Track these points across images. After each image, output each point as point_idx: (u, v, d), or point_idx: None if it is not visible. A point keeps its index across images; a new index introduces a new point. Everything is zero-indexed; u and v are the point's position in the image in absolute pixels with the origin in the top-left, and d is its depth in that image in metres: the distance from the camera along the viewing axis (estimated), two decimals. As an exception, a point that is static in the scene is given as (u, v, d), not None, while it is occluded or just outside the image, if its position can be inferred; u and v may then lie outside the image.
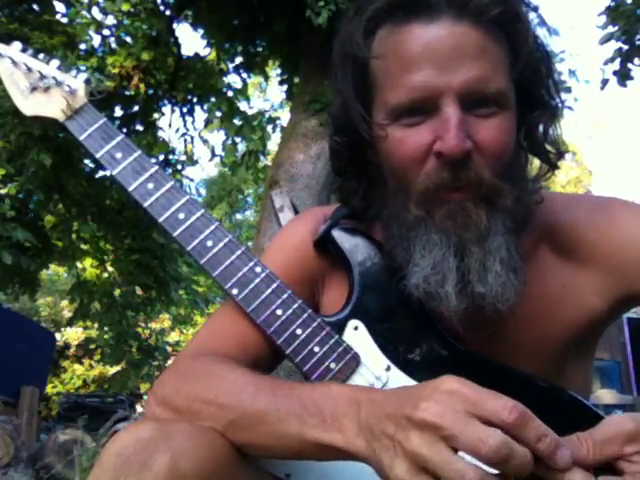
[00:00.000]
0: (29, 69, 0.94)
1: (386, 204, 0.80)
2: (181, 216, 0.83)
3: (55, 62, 0.95)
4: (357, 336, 0.80)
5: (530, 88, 0.77)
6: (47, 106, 0.92)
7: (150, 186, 0.85)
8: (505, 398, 0.53)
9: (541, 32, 0.78)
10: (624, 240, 0.78)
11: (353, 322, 0.81)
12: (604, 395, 7.39)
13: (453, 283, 0.72)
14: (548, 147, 0.80)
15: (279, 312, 0.80)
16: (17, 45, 0.96)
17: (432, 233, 0.73)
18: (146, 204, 0.84)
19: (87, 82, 0.91)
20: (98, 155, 0.87)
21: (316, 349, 0.78)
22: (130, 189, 0.85)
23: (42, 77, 0.93)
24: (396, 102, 0.72)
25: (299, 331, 0.79)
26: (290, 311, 0.80)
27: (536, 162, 0.83)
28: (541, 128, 0.79)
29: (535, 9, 0.77)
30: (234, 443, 0.67)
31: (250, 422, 0.66)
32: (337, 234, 0.85)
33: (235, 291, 0.81)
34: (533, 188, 0.82)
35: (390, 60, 0.73)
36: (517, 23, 0.73)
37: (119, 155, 0.87)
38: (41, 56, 0.95)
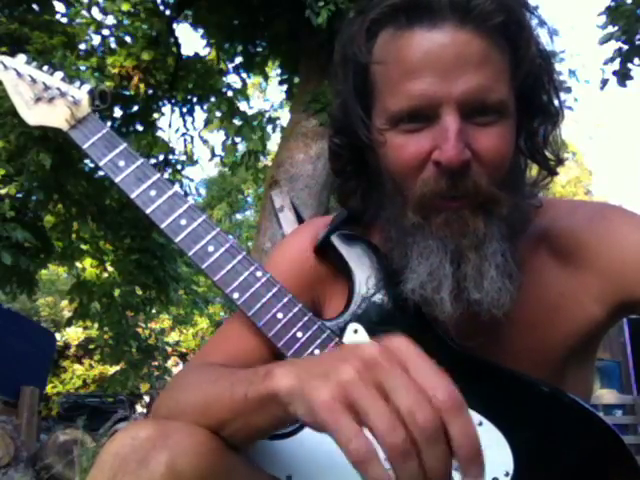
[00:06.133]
0: (33, 80, 0.95)
1: (383, 207, 0.80)
2: (183, 222, 0.84)
3: (59, 74, 0.96)
4: (357, 339, 0.80)
5: (531, 95, 0.77)
6: (51, 116, 0.93)
7: (152, 193, 0.86)
8: (433, 385, 0.48)
9: (543, 37, 0.77)
10: (623, 247, 0.78)
11: (353, 325, 0.81)
12: (604, 395, 7.38)
13: (448, 290, 0.72)
14: (547, 154, 0.80)
15: (280, 315, 0.80)
16: (22, 57, 0.97)
17: (429, 239, 0.73)
18: (148, 211, 0.85)
19: (90, 93, 0.92)
20: (101, 163, 0.88)
21: (317, 352, 0.79)
22: (133, 196, 0.86)
23: (46, 88, 0.94)
24: (396, 109, 0.72)
25: (300, 334, 0.80)
26: (291, 314, 0.80)
27: (536, 165, 0.83)
28: (541, 134, 0.79)
29: (535, 12, 0.76)
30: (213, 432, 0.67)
31: (213, 404, 0.66)
32: (336, 240, 0.85)
33: (236, 295, 0.81)
34: (531, 193, 0.82)
35: (391, 65, 0.73)
36: (520, 31, 0.73)
37: (122, 163, 0.88)
38: (45, 68, 0.96)
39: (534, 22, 0.76)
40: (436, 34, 0.70)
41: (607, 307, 0.79)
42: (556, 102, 0.78)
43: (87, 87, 0.93)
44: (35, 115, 0.94)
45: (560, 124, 0.80)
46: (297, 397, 0.53)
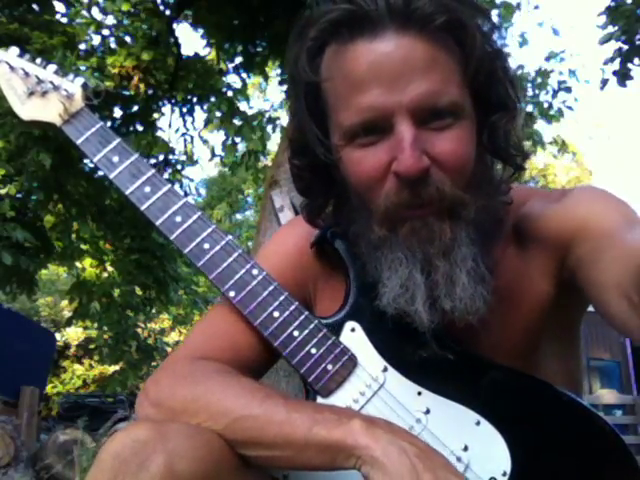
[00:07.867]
0: (26, 74, 0.94)
1: (352, 221, 0.79)
2: (178, 219, 0.84)
3: (52, 67, 0.94)
4: (354, 338, 0.80)
5: (487, 91, 0.74)
6: (44, 110, 0.92)
7: (147, 189, 0.85)
8: None
9: (494, 33, 0.75)
10: (564, 215, 0.78)
11: (350, 324, 0.81)
12: (604, 395, 7.40)
13: (422, 300, 0.71)
14: (511, 150, 0.78)
15: (276, 314, 0.80)
16: (14, 50, 0.96)
17: (398, 251, 0.72)
18: (143, 207, 0.84)
19: (84, 86, 0.91)
20: (95, 159, 0.87)
21: (313, 350, 0.79)
22: (127, 192, 0.85)
23: (39, 81, 0.93)
24: (349, 124, 0.71)
25: (296, 333, 0.79)
26: (287, 313, 0.80)
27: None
28: (502, 130, 0.76)
29: (482, 11, 0.74)
30: (232, 443, 0.68)
31: (255, 422, 0.67)
32: (333, 237, 0.85)
33: (232, 293, 0.81)
34: (500, 191, 0.80)
35: (338, 81, 0.72)
36: (464, 29, 0.70)
37: (116, 159, 0.87)
38: (38, 61, 0.95)
39: (479, 19, 0.73)
40: (378, 44, 0.68)
41: (552, 278, 0.80)
42: (513, 95, 0.76)
43: (80, 80, 0.91)
44: (28, 110, 0.93)
45: (519, 117, 0.77)
46: (378, 466, 0.61)
